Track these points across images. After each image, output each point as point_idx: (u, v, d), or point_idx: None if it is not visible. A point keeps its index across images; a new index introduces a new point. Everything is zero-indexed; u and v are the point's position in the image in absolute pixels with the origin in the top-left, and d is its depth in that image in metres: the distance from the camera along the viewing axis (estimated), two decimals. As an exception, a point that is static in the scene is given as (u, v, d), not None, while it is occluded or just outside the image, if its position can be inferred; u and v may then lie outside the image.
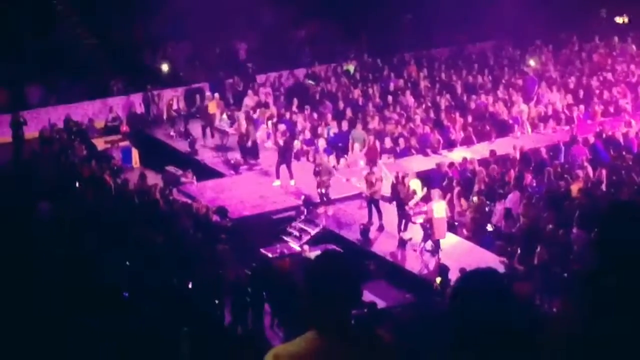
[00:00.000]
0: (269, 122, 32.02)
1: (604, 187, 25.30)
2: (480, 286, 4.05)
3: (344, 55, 39.42)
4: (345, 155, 29.85)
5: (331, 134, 30.91)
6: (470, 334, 3.94)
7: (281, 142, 28.52)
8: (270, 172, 28.61)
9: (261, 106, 33.44)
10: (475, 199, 25.25)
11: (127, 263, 21.48)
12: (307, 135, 30.95)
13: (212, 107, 32.80)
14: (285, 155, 28.05)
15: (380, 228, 25.01)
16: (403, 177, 24.97)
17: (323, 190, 26.03)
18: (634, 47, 38.96)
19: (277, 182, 28.00)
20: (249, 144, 29.94)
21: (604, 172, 26.13)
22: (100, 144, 31.83)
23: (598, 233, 4.55)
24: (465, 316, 3.98)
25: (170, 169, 29.45)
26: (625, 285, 4.27)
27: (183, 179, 28.51)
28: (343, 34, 40.39)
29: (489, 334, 3.91)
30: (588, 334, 4.23)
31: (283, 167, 27.93)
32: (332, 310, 4.10)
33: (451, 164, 27.50)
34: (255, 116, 32.16)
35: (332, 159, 28.54)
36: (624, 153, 27.75)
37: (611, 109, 33.02)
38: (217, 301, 20.75)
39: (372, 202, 25.07)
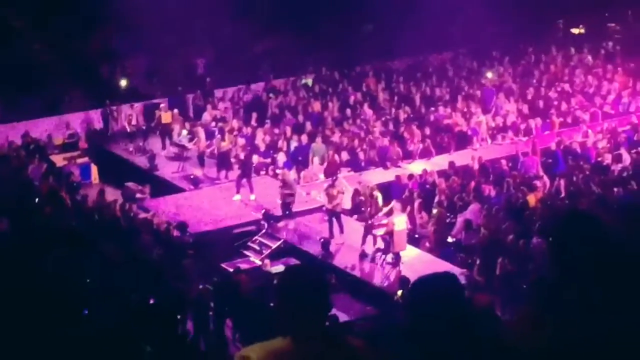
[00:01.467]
0: (228, 137, 31.92)
1: (562, 197, 25.49)
2: (431, 289, 4.07)
3: (302, 69, 39.38)
4: (306, 169, 29.82)
5: (292, 148, 30.89)
6: (425, 336, 3.96)
7: (242, 156, 28.50)
8: (230, 187, 28.54)
9: (219, 120, 33.37)
10: (435, 211, 25.33)
11: (87, 280, 21.31)
12: (263, 149, 30.90)
13: (166, 118, 32.68)
14: (245, 169, 28.01)
15: (341, 241, 25.02)
16: (364, 190, 25.00)
17: (286, 205, 26.02)
18: (590, 57, 39.31)
19: (237, 197, 27.93)
20: (220, 155, 29.84)
21: (562, 182, 26.33)
22: (59, 160, 31.60)
23: (553, 242, 4.59)
24: (418, 318, 4.01)
25: (130, 184, 29.29)
26: (583, 294, 4.30)
27: (138, 195, 28.38)
28: (302, 47, 40.36)
29: (444, 337, 3.93)
30: (549, 343, 4.25)
31: (243, 182, 27.88)
32: (304, 322, 4.11)
33: (411, 176, 27.60)
34: (215, 130, 32.20)
35: (292, 173, 28.50)
36: (581, 163, 27.99)
37: (569, 120, 33.29)
38: (179, 316, 20.65)
39: (333, 215, 25.07)
